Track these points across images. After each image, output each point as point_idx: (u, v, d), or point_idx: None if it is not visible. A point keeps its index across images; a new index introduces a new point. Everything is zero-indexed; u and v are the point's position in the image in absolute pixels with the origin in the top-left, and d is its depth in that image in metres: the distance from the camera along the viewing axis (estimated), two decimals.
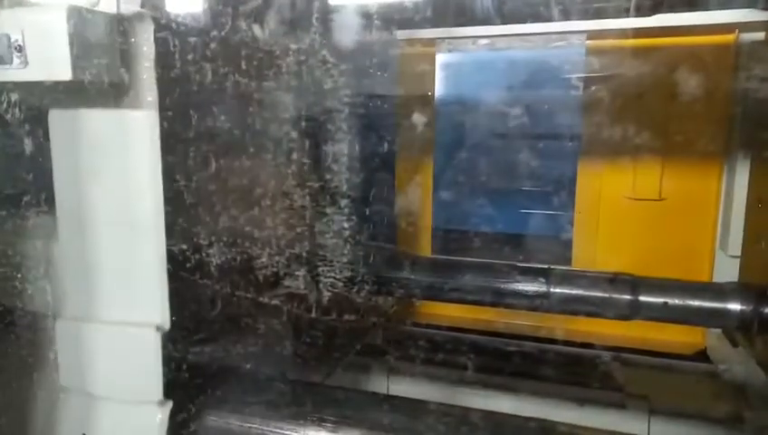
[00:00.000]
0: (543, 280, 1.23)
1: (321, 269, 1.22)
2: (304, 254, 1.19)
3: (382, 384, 1.61)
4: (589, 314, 1.22)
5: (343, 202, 1.22)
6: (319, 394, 1.03)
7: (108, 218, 0.87)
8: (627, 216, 1.70)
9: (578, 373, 1.57)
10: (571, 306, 1.22)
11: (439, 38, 1.76)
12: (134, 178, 0.85)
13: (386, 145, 1.57)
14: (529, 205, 1.92)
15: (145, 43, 0.81)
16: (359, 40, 1.29)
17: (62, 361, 0.92)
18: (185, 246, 0.91)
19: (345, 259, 1.23)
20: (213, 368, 1.02)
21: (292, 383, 1.08)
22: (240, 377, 1.05)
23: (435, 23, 1.64)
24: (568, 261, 1.78)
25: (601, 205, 1.73)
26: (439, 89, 1.87)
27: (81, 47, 0.75)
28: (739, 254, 1.55)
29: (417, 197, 1.86)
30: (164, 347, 0.87)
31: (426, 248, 1.91)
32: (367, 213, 1.44)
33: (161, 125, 0.82)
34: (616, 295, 1.18)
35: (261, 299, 1.11)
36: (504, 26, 1.60)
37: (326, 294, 1.23)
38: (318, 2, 1.15)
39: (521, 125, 1.81)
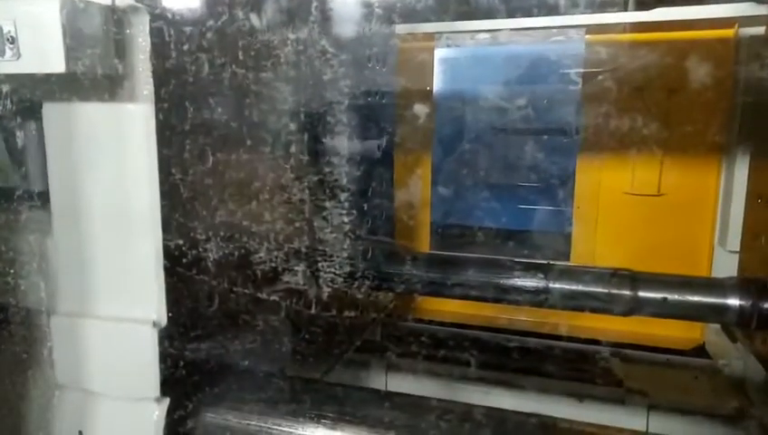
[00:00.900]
0: (543, 276, 1.23)
1: (318, 264, 1.21)
2: (302, 248, 1.18)
3: (380, 380, 1.60)
4: (588, 310, 1.22)
5: (341, 196, 1.21)
6: (317, 391, 1.02)
7: (103, 213, 0.86)
8: (626, 211, 1.70)
9: (577, 369, 1.57)
10: (570, 302, 1.22)
11: (438, 32, 1.75)
12: (130, 171, 0.84)
13: (384, 139, 1.55)
14: (528, 200, 1.92)
15: (140, 35, 0.80)
16: (357, 32, 1.27)
17: (57, 357, 0.91)
18: (181, 241, 0.90)
19: (343, 254, 1.22)
20: (210, 364, 1.01)
21: (291, 380, 1.08)
22: (238, 374, 1.04)
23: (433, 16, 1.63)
24: (567, 256, 1.77)
25: (600, 200, 1.72)
26: (438, 83, 1.86)
27: (74, 39, 0.74)
28: (738, 249, 1.55)
29: (416, 191, 1.85)
30: (161, 343, 0.86)
31: (424, 243, 1.90)
32: (365, 207, 1.43)
33: (157, 118, 0.81)
34: (615, 291, 1.18)
35: (259, 295, 1.10)
36: (503, 21, 1.59)
37: (324, 289, 1.22)
38: None
39: (519, 120, 1.80)
